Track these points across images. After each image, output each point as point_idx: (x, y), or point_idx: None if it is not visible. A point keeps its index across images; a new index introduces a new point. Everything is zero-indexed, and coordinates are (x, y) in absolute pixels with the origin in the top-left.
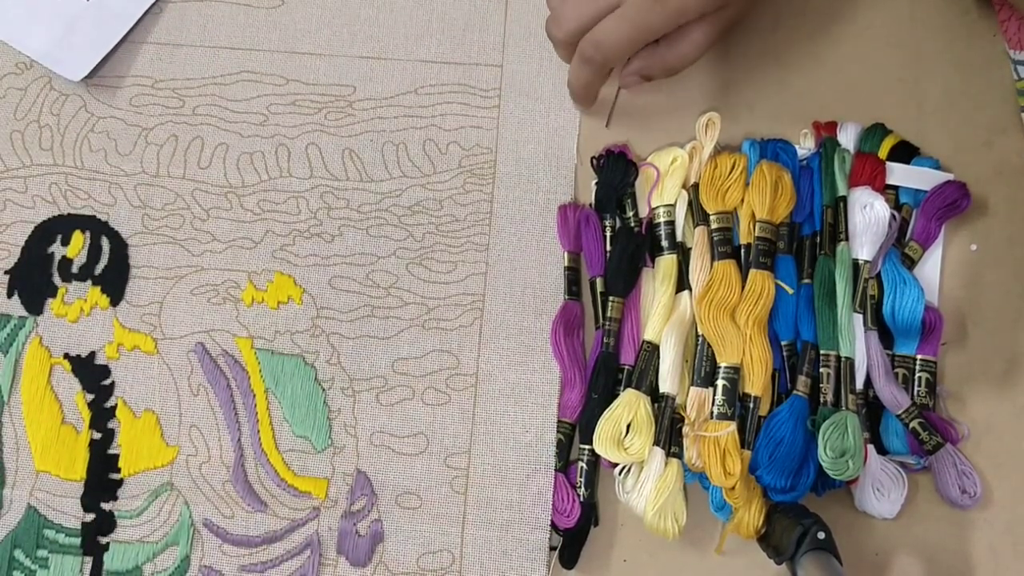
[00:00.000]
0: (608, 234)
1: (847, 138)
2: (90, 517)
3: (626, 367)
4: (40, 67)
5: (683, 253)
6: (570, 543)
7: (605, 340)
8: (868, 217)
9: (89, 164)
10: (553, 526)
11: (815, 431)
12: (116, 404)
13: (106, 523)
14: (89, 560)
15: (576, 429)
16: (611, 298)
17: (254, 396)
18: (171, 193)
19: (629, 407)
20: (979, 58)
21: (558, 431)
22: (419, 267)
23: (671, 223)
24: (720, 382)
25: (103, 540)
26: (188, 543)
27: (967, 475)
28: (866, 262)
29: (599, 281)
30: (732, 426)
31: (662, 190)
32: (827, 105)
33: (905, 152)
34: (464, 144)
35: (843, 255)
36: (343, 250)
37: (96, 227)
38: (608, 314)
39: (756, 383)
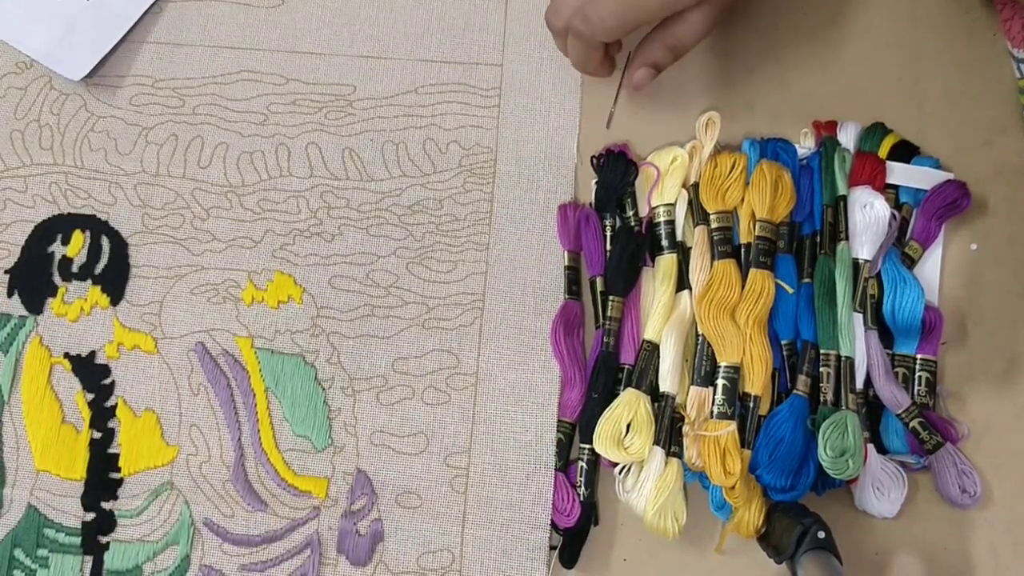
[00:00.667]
0: (608, 233)
1: (847, 137)
2: (90, 516)
3: (626, 366)
4: (40, 67)
5: (683, 252)
6: (570, 542)
7: (605, 339)
8: (868, 216)
9: (89, 163)
10: (553, 526)
11: (815, 430)
12: (116, 403)
13: (106, 522)
14: (89, 559)
15: (576, 428)
16: (611, 297)
17: (254, 395)
18: (171, 192)
19: (629, 406)
20: (979, 57)
21: (558, 431)
22: (419, 266)
23: (671, 222)
24: (720, 381)
25: (103, 539)
26: (188, 542)
27: (967, 474)
28: (866, 261)
29: (599, 280)
30: (732, 425)
31: (662, 189)
32: (827, 104)
33: (905, 151)
34: (464, 143)
35: (843, 254)
36: (343, 249)
37: (96, 226)
38: (608, 313)
39: (756, 382)
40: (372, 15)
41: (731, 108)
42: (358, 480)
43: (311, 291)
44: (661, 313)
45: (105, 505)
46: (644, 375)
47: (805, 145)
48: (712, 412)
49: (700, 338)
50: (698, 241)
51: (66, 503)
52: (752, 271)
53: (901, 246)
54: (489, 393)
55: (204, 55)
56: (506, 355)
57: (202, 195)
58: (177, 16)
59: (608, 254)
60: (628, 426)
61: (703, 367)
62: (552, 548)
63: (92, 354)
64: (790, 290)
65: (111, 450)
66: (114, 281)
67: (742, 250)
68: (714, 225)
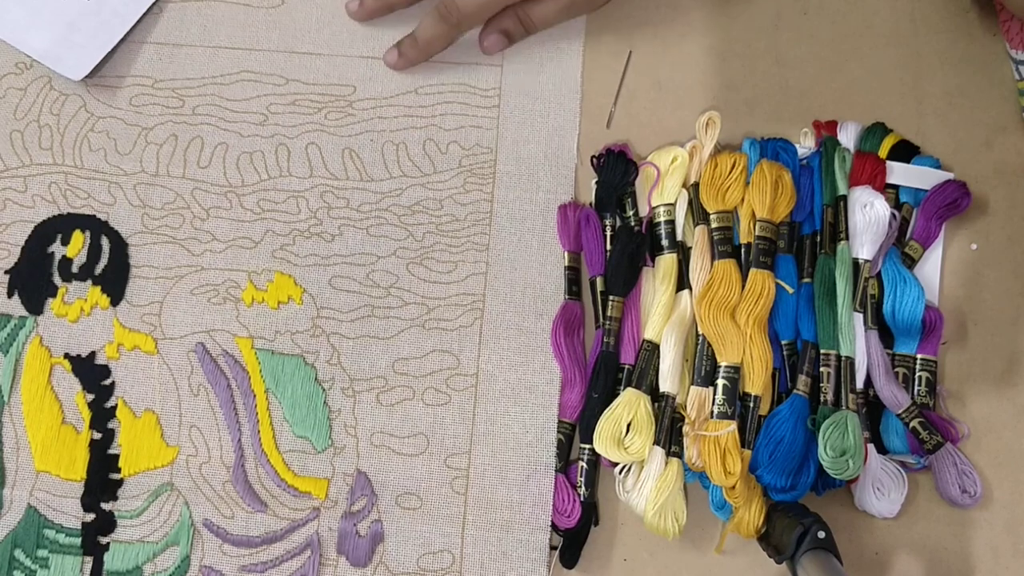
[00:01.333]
0: (608, 233)
1: (847, 137)
2: (90, 517)
3: (626, 366)
4: (40, 67)
5: (683, 252)
6: (571, 543)
7: (605, 339)
8: (868, 216)
9: (89, 163)
10: (553, 526)
11: (815, 430)
12: (116, 404)
13: (106, 523)
14: (89, 560)
15: (576, 429)
16: (611, 297)
17: (254, 396)
18: (171, 192)
19: (629, 406)
20: (979, 57)
21: (558, 431)
22: (419, 267)
23: (671, 222)
24: (720, 381)
25: (103, 540)
26: (188, 543)
27: (967, 474)
28: (866, 261)
29: (599, 280)
30: (732, 425)
31: (662, 189)
32: (827, 104)
33: (905, 151)
34: (464, 144)
35: (843, 254)
36: (343, 250)
37: (96, 227)
38: (608, 313)
39: (756, 382)
40: None
41: (731, 108)
42: (358, 481)
43: (311, 292)
44: (661, 313)
45: (105, 506)
46: (644, 375)
47: (805, 145)
48: (712, 412)
49: (700, 338)
50: (698, 241)
51: (66, 504)
52: (752, 271)
53: (901, 246)
54: (489, 394)
55: (204, 55)
56: (506, 356)
57: (202, 195)
58: (177, 17)
59: (608, 254)
60: (628, 426)
61: (703, 367)
62: (553, 548)
63: (92, 355)
64: (790, 290)
65: (111, 451)
66: (114, 281)
67: (742, 250)
68: (714, 225)
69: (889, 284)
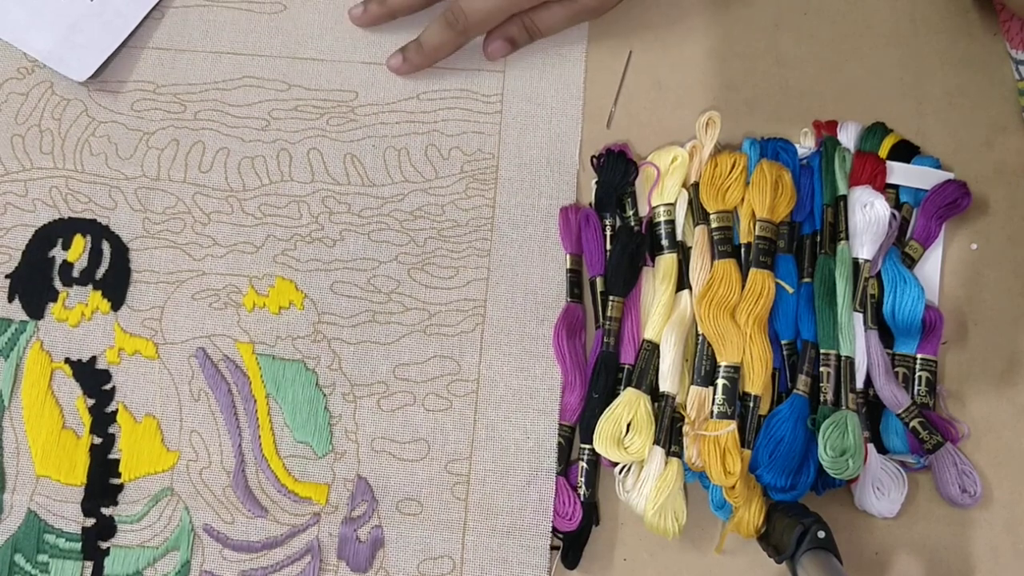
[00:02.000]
0: (608, 233)
1: (847, 137)
2: (90, 522)
3: (626, 366)
4: (42, 72)
5: (683, 252)
6: (572, 544)
7: (605, 339)
8: (868, 216)
9: (90, 168)
10: (554, 529)
11: (815, 430)
12: (117, 409)
13: (106, 528)
14: (90, 565)
15: (576, 431)
16: (611, 297)
17: (255, 401)
18: (172, 197)
19: (629, 406)
20: (979, 57)
21: (558, 435)
22: (421, 272)
23: (671, 222)
24: (720, 381)
25: (104, 545)
26: (188, 548)
27: (967, 474)
28: (866, 261)
29: (599, 280)
30: (732, 425)
31: (662, 189)
32: (827, 104)
33: (905, 151)
34: (466, 149)
35: (843, 254)
36: (344, 255)
37: (97, 231)
38: (608, 313)
39: (756, 382)
40: None
41: (731, 108)
42: (359, 486)
43: (312, 297)
44: (661, 313)
45: (105, 511)
46: (644, 375)
47: (805, 145)
48: (712, 412)
49: (700, 338)
50: (698, 241)
51: (66, 508)
52: (752, 271)
53: (901, 246)
54: (490, 399)
55: (206, 61)
56: (507, 361)
57: (203, 199)
58: (179, 22)
59: (608, 254)
60: (628, 426)
61: (703, 367)
62: (554, 549)
63: (93, 359)
64: (790, 290)
65: (111, 455)
66: (115, 286)
67: (742, 250)
68: (714, 225)
69: (889, 284)
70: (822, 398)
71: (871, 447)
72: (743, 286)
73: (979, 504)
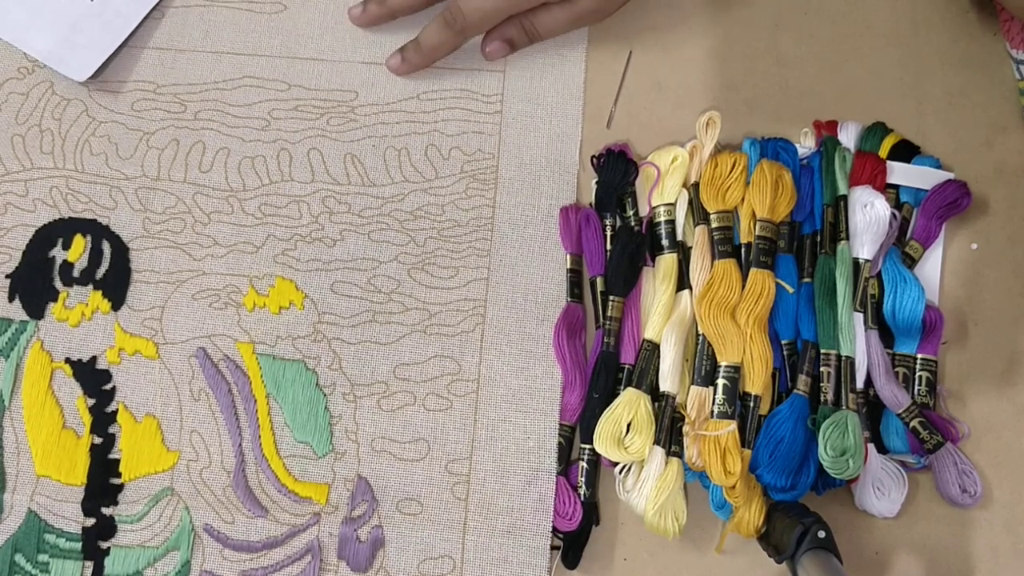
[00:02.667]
0: (608, 233)
1: (847, 137)
2: (91, 522)
3: (626, 366)
4: (43, 72)
5: (683, 252)
6: (573, 544)
7: (605, 339)
8: (868, 216)
9: (90, 168)
10: (554, 529)
11: (815, 430)
12: (117, 409)
13: (107, 528)
14: (90, 565)
15: (576, 431)
16: (611, 297)
17: (255, 401)
18: (172, 197)
19: (629, 406)
20: (979, 57)
21: (559, 435)
22: (421, 272)
23: (671, 222)
24: (720, 381)
25: (104, 545)
26: (189, 548)
27: (967, 474)
28: (866, 261)
29: (599, 280)
30: (732, 425)
31: (662, 189)
32: (827, 104)
33: (906, 151)
34: (466, 149)
35: (843, 254)
36: (345, 255)
37: (97, 231)
38: (608, 313)
39: (756, 382)
40: None
41: (731, 108)
42: (359, 486)
43: (312, 296)
44: (661, 313)
45: (105, 510)
46: (644, 375)
47: (805, 145)
48: (712, 412)
49: (700, 338)
50: (698, 241)
51: (67, 508)
52: (752, 271)
53: (901, 246)
54: (490, 399)
55: (206, 61)
56: (508, 361)
57: (203, 199)
58: (179, 22)
59: (608, 254)
60: (628, 426)
61: (703, 367)
62: (554, 549)
63: (93, 359)
64: (790, 290)
65: (112, 455)
66: (115, 286)
67: (742, 250)
68: (714, 225)
69: (889, 284)
70: (822, 398)
71: (871, 447)
72: (743, 286)
73: (979, 504)
